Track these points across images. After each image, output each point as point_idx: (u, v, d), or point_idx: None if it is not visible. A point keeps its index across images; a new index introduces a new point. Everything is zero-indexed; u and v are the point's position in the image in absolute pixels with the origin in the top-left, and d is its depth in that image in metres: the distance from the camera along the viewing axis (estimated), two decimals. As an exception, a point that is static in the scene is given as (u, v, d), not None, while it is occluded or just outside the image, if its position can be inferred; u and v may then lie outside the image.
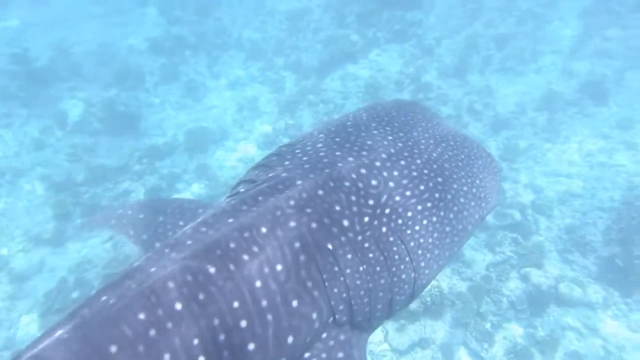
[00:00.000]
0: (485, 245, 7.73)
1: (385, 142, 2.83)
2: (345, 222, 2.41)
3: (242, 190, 2.61)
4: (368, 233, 2.45)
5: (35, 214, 9.04)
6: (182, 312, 1.95)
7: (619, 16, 12.37)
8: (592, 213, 8.10)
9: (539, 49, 12.36)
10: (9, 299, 7.66)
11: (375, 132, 2.93)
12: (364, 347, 2.53)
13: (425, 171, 2.76)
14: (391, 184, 2.61)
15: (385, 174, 2.63)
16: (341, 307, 2.39)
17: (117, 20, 14.93)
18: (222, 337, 2.02)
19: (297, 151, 2.79)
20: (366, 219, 2.47)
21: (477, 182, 2.96)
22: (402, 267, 2.53)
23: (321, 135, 2.93)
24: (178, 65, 12.86)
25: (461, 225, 2.80)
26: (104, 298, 1.94)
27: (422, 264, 2.62)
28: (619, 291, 6.76)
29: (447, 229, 2.73)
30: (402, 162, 2.73)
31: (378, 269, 2.45)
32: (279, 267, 2.19)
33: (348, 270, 2.36)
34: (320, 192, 2.43)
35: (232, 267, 2.10)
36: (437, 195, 2.72)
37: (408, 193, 2.62)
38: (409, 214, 2.58)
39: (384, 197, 2.56)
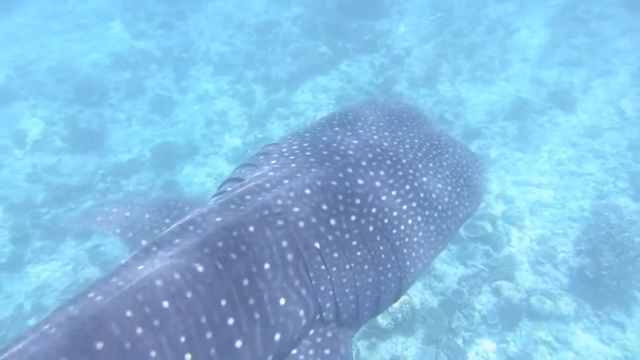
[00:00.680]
0: (457, 258, 7.61)
1: (371, 142, 2.86)
2: (332, 221, 2.45)
3: (229, 189, 2.63)
4: (355, 232, 2.49)
5: (-9, 237, 8.65)
6: (169, 310, 1.94)
7: (585, 24, 12.50)
8: (563, 223, 8.06)
9: (507, 57, 12.40)
10: (-39, 328, 7.27)
11: (361, 131, 2.98)
12: (350, 344, 2.56)
13: (411, 171, 2.82)
14: (377, 183, 2.66)
15: (371, 173, 2.68)
16: (328, 305, 2.43)
17: (78, 36, 14.54)
18: (209, 335, 2.02)
19: (284, 150, 2.82)
20: (353, 217, 2.51)
21: (462, 181, 3.01)
22: (389, 265, 2.58)
23: (307, 135, 2.96)
24: (144, 79, 12.54)
25: (445, 224, 2.85)
26: (91, 295, 1.93)
27: (408, 262, 2.66)
28: (590, 303, 6.69)
29: (432, 227, 2.78)
30: (388, 162, 2.78)
31: (365, 267, 2.50)
32: (266, 266, 2.22)
33: (335, 269, 2.41)
34: (308, 191, 2.46)
35: (220, 265, 2.10)
36: (422, 195, 2.77)
37: (394, 193, 2.67)
38: (395, 213, 2.63)
39: (371, 197, 2.59)
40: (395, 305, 6.59)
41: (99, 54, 13.49)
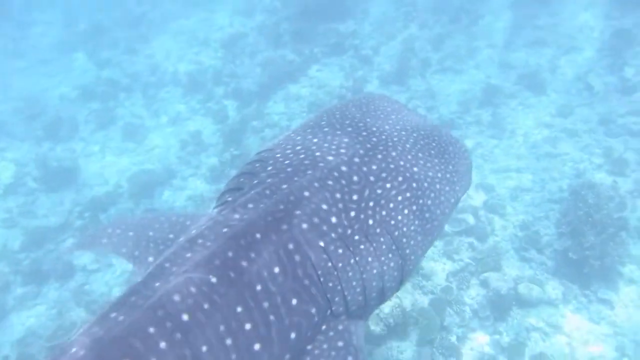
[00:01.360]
0: (444, 254, 7.58)
1: (361, 138, 2.96)
2: (334, 219, 2.56)
3: (230, 199, 2.73)
4: (356, 227, 2.60)
5: (-29, 289, 8.48)
6: (189, 322, 2.04)
7: (547, 4, 12.55)
8: (544, 206, 8.06)
9: (474, 45, 12.44)
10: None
11: (349, 129, 3.06)
12: (361, 333, 2.68)
13: (402, 162, 2.92)
14: (371, 178, 2.76)
15: (364, 169, 2.77)
16: (337, 299, 2.54)
17: (43, 70, 14.41)
18: (228, 341, 2.12)
19: (278, 155, 2.89)
20: (352, 213, 2.62)
21: (450, 167, 3.14)
22: (390, 255, 2.70)
23: (298, 138, 3.05)
24: (114, 109, 12.43)
25: (439, 210, 2.98)
26: (113, 315, 2.00)
27: (408, 250, 2.79)
28: (577, 284, 6.69)
29: (427, 215, 2.90)
30: (379, 156, 2.87)
31: (369, 259, 2.61)
32: (276, 270, 2.32)
33: (340, 264, 2.52)
34: (307, 193, 2.56)
35: (232, 274, 2.20)
36: (414, 184, 2.88)
37: (388, 185, 2.78)
38: (391, 205, 2.74)
39: (367, 192, 2.70)
40: (386, 310, 6.54)
41: (66, 87, 13.37)
